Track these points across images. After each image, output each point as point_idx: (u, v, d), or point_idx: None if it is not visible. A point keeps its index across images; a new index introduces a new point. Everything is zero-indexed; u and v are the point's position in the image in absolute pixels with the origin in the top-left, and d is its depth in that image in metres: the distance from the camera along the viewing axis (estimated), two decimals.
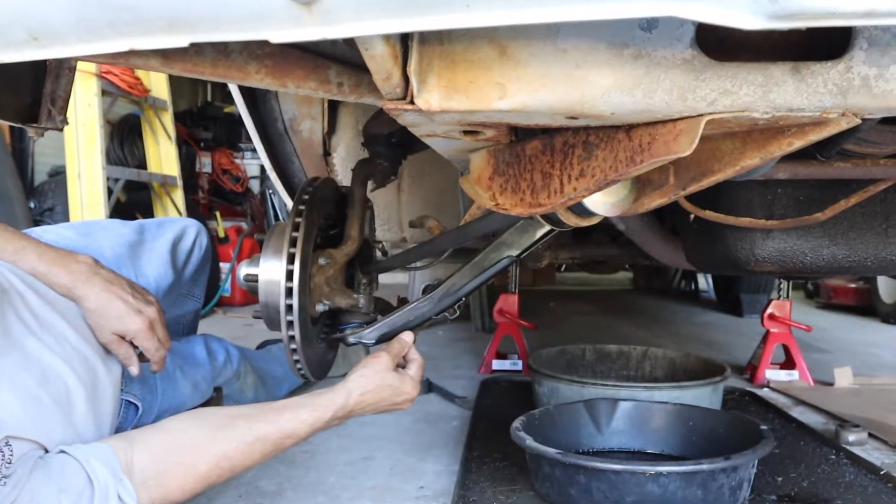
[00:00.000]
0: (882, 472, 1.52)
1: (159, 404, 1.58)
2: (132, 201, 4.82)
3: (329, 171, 2.21)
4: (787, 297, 2.67)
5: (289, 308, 1.36)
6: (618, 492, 1.24)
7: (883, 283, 4.71)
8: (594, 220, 1.03)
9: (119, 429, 1.38)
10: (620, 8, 0.52)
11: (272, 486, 1.51)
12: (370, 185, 1.64)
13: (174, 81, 5.01)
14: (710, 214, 1.44)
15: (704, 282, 6.11)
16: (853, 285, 5.15)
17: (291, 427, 1.16)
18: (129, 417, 1.51)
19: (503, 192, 0.94)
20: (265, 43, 0.68)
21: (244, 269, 1.48)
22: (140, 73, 4.47)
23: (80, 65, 3.63)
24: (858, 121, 0.68)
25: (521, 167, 0.90)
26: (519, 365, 2.71)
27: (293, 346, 1.40)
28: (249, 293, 1.52)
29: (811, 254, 1.49)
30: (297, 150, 2.22)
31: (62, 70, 1.40)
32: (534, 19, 0.53)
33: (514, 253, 1.56)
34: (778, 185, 1.47)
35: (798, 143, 0.71)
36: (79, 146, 3.92)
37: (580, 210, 0.96)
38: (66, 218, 3.95)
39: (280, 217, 6.20)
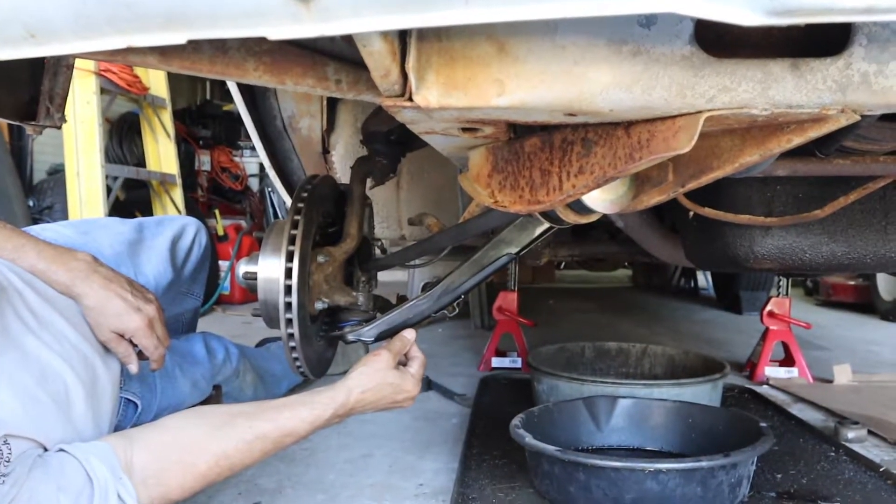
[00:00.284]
0: (881, 469, 1.52)
1: (158, 402, 1.58)
2: (131, 199, 4.82)
3: (328, 168, 2.21)
4: (787, 294, 2.67)
5: (288, 306, 1.36)
6: (617, 489, 1.24)
7: (882, 280, 4.72)
8: (593, 218, 1.03)
9: (118, 427, 1.38)
10: (619, 4, 0.52)
11: (272, 483, 1.51)
12: (369, 182, 1.64)
13: (173, 79, 5.00)
14: (709, 211, 1.44)
15: (704, 279, 6.11)
16: (852, 282, 5.15)
17: (291, 425, 1.15)
18: (129, 415, 1.51)
19: (502, 189, 0.94)
20: (263, 40, 0.68)
21: (243, 267, 1.47)
22: (139, 71, 4.46)
23: (79, 63, 3.62)
24: (858, 117, 0.68)
25: (520, 164, 0.90)
26: (518, 362, 2.71)
27: (292, 343, 1.39)
28: (248, 291, 1.52)
29: (810, 251, 1.49)
30: (296, 148, 2.22)
31: (60, 67, 1.40)
32: (532, 16, 0.53)
33: (514, 250, 1.56)
34: (777, 182, 1.47)
35: (797, 140, 0.71)
36: (78, 144, 3.91)
37: (579, 207, 0.96)
38: (65, 216, 3.95)
39: (279, 215, 6.21)
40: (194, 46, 0.74)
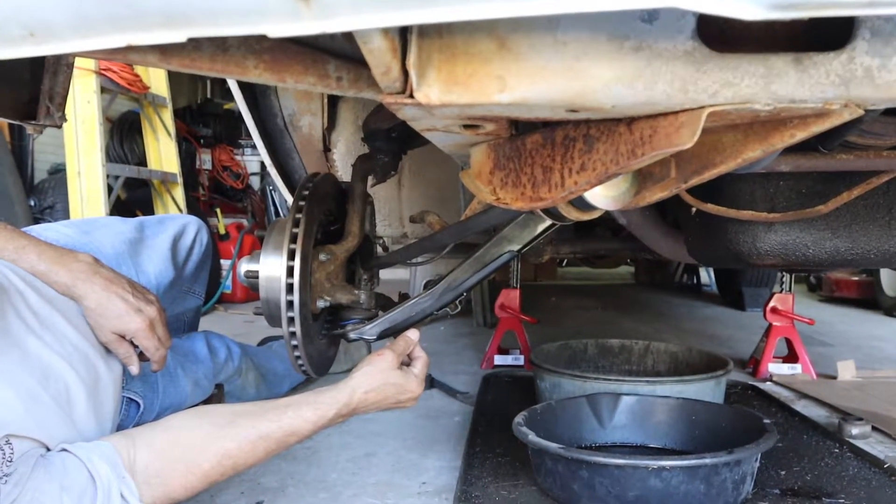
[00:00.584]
0: (886, 466, 1.52)
1: (160, 401, 1.58)
2: (132, 199, 4.82)
3: (329, 166, 2.21)
4: (790, 290, 2.66)
5: (289, 304, 1.36)
6: (620, 486, 1.24)
7: (886, 275, 4.71)
8: (595, 214, 1.02)
9: (120, 426, 1.38)
10: (621, 0, 0.52)
11: (274, 482, 1.51)
12: (370, 180, 1.64)
13: (173, 78, 5.00)
14: (711, 208, 1.43)
15: (707, 276, 6.11)
16: (856, 278, 5.15)
17: (295, 425, 1.15)
18: (131, 415, 1.51)
19: (504, 186, 0.94)
20: (263, 38, 0.68)
21: (245, 266, 1.47)
22: (139, 70, 4.46)
23: (79, 62, 3.63)
24: (861, 112, 0.67)
25: (522, 161, 0.89)
26: (521, 360, 2.71)
27: (294, 342, 1.39)
28: (250, 289, 1.52)
29: (813, 247, 1.48)
30: (297, 146, 2.21)
31: (60, 67, 1.40)
32: (533, 11, 0.53)
33: (515, 248, 1.56)
34: (780, 178, 1.46)
35: (800, 135, 0.71)
36: (78, 144, 3.92)
37: (581, 204, 0.96)
38: (66, 216, 3.95)
39: (281, 213, 6.20)
40: (195, 45, 0.73)
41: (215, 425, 1.12)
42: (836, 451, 1.64)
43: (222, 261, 4.81)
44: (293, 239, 1.37)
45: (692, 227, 1.70)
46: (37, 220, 3.91)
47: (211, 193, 6.18)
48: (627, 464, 1.25)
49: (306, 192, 1.44)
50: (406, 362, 1.33)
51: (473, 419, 1.90)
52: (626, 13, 0.64)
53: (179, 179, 4.83)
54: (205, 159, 6.22)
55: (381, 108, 1.25)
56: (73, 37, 0.62)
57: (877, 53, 0.63)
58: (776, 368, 2.58)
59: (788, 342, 2.61)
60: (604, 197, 0.89)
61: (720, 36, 0.65)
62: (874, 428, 1.86)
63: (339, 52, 0.76)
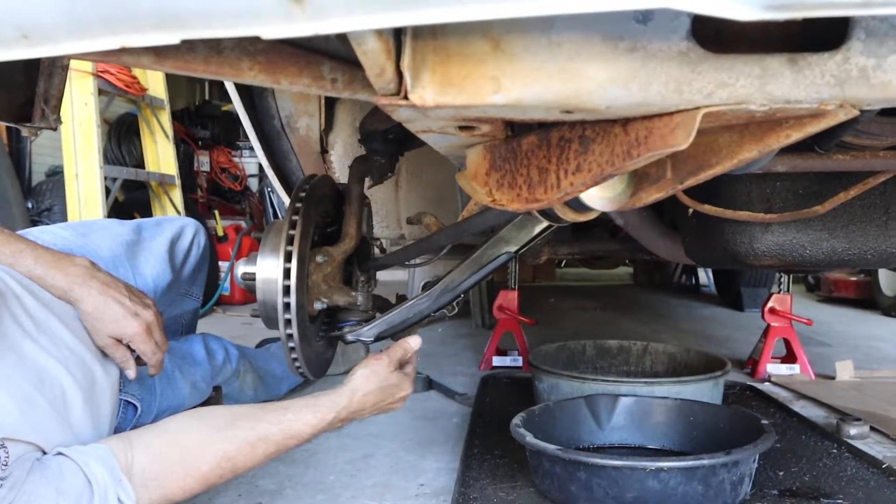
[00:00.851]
0: (884, 466, 1.52)
1: (158, 404, 1.57)
2: (130, 201, 4.82)
3: (327, 168, 2.20)
4: (788, 290, 2.66)
5: (286, 306, 1.36)
6: (618, 488, 1.24)
7: (884, 275, 4.71)
8: (591, 216, 1.02)
9: (118, 429, 1.37)
10: (615, 0, 0.52)
11: (272, 484, 1.51)
12: (367, 181, 1.64)
13: (171, 80, 4.99)
14: (708, 208, 1.43)
15: (705, 276, 6.11)
16: (854, 278, 5.15)
17: (295, 427, 1.15)
18: (128, 418, 1.51)
19: (500, 187, 0.94)
20: (258, 39, 0.67)
21: (242, 268, 1.47)
22: (137, 72, 4.45)
23: (77, 64, 3.62)
24: (856, 112, 0.67)
25: (518, 162, 0.89)
26: (519, 361, 2.70)
27: (291, 344, 1.39)
28: (247, 292, 1.52)
29: (811, 247, 1.49)
30: (295, 148, 2.21)
31: (55, 69, 1.40)
32: (527, 12, 0.53)
33: (513, 249, 1.56)
34: (776, 179, 1.46)
35: (796, 136, 0.71)
36: (76, 146, 3.91)
37: (577, 205, 0.96)
38: (63, 218, 3.95)
39: (279, 215, 6.20)
40: (189, 46, 0.73)
41: (214, 427, 1.11)
42: (835, 451, 1.64)
43: (220, 262, 4.81)
44: (290, 241, 1.37)
45: (689, 228, 1.70)
46: (34, 223, 3.90)
47: (209, 195, 6.16)
48: (625, 465, 1.25)
49: (303, 194, 1.44)
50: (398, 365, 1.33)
51: (472, 420, 1.90)
52: (621, 14, 0.63)
53: (177, 181, 4.82)
54: (203, 161, 6.20)
55: (378, 110, 1.25)
56: (66, 39, 0.62)
57: (872, 53, 0.63)
58: (774, 369, 2.58)
59: (787, 342, 2.61)
60: (600, 198, 0.89)
61: (715, 36, 0.65)
62: (872, 428, 1.86)
63: (334, 53, 0.75)
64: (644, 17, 0.64)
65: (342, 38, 0.66)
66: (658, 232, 1.81)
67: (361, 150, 1.66)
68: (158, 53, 0.72)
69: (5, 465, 0.91)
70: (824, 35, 0.64)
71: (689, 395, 1.69)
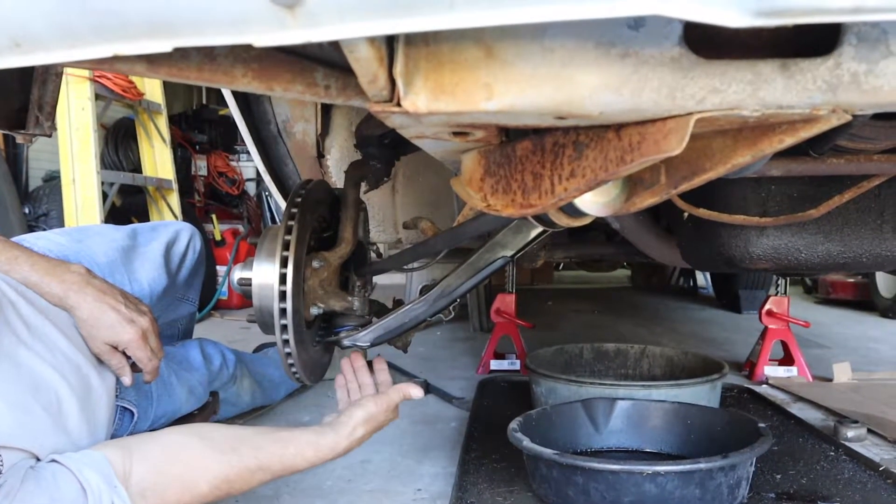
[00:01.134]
0: (881, 469, 1.52)
1: (155, 410, 1.57)
2: (127, 205, 4.81)
3: (323, 173, 2.20)
4: (786, 293, 2.67)
5: (282, 312, 1.36)
6: (615, 492, 1.24)
7: (881, 277, 4.71)
8: (586, 221, 1.02)
9: (115, 436, 1.37)
10: (607, 7, 0.52)
11: (269, 490, 1.50)
12: (363, 186, 1.64)
13: (168, 84, 4.99)
14: (703, 212, 1.43)
15: (703, 278, 6.11)
16: (851, 280, 5.15)
17: (295, 463, 1.17)
18: (125, 424, 1.50)
19: (494, 193, 0.94)
20: (251, 47, 0.67)
21: (238, 273, 1.47)
22: (133, 77, 4.45)
23: (73, 69, 3.62)
24: (849, 117, 0.67)
25: (512, 168, 0.89)
26: (517, 365, 2.70)
27: (288, 349, 1.39)
28: (244, 297, 1.52)
29: (806, 250, 1.49)
30: (291, 153, 2.21)
31: (49, 76, 1.40)
32: (519, 19, 0.53)
33: (509, 253, 1.56)
34: (771, 182, 1.46)
35: (789, 141, 0.71)
36: (73, 151, 3.90)
37: (571, 210, 0.96)
38: (61, 223, 3.94)
39: (277, 219, 6.20)
40: (182, 54, 0.73)
41: (218, 449, 1.12)
42: (832, 454, 1.64)
43: (218, 267, 4.81)
44: (286, 246, 1.37)
45: (685, 232, 1.70)
46: (31, 228, 3.89)
47: (207, 199, 6.16)
48: (622, 469, 1.25)
49: (299, 199, 1.44)
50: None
51: (469, 425, 1.90)
52: (613, 20, 0.64)
53: (175, 186, 4.82)
54: (200, 165, 6.20)
55: (373, 115, 1.25)
56: (58, 47, 0.62)
57: (863, 59, 0.63)
58: (772, 371, 2.58)
59: (784, 345, 2.62)
60: (594, 203, 0.89)
61: (707, 42, 0.65)
62: (870, 430, 1.86)
63: (327, 60, 0.75)
64: (636, 23, 0.64)
65: (335, 45, 0.66)
66: (654, 236, 1.81)
67: (358, 154, 1.66)
68: (152, 61, 0.72)
69: (0, 473, 0.90)
70: (816, 40, 0.64)
71: (687, 399, 1.69)
